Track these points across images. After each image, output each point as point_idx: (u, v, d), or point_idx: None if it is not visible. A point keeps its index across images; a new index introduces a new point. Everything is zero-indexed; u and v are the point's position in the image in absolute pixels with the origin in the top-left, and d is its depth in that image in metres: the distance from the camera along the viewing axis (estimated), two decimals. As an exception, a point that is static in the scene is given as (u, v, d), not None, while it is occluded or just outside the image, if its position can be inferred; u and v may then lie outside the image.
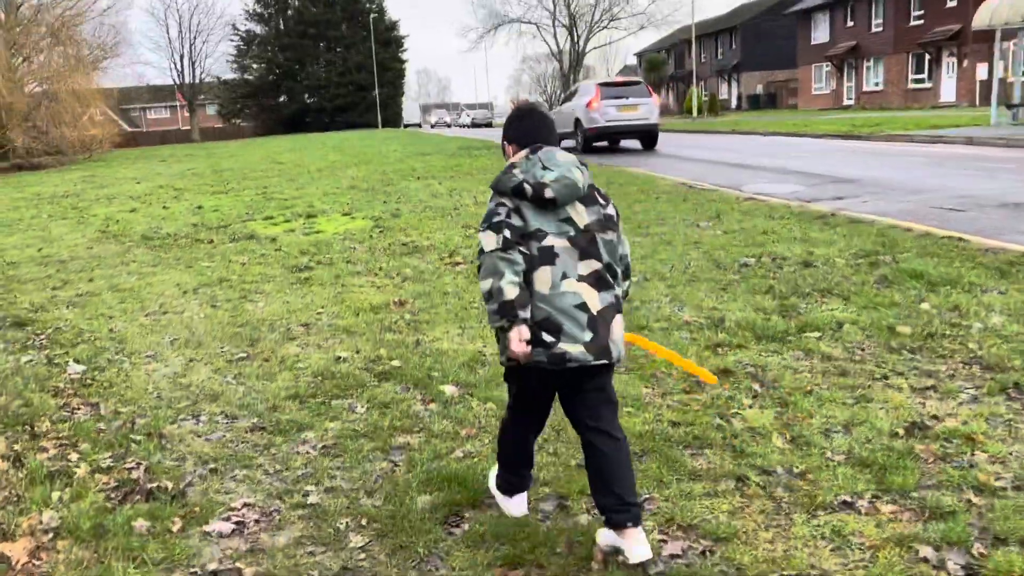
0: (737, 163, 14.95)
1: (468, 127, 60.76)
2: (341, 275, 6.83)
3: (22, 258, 8.90)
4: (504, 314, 2.30)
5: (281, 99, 63.18)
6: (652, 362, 4.06)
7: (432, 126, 64.04)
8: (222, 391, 4.15)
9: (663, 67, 61.09)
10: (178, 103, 67.88)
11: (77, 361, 4.75)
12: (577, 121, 19.15)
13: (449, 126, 60.68)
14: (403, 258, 7.34)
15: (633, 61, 77.64)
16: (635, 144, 20.21)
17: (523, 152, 2.46)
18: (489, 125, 61.63)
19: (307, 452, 3.38)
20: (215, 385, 4.26)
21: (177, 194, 14.96)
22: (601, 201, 2.48)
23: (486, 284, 2.32)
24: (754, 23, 54.29)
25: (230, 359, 4.70)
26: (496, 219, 2.36)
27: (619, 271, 2.47)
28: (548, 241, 2.35)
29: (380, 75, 58.84)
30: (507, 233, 2.33)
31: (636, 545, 2.33)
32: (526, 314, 2.31)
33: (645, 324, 4.67)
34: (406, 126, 62.10)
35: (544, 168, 2.38)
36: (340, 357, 4.56)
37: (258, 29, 62.93)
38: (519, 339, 2.30)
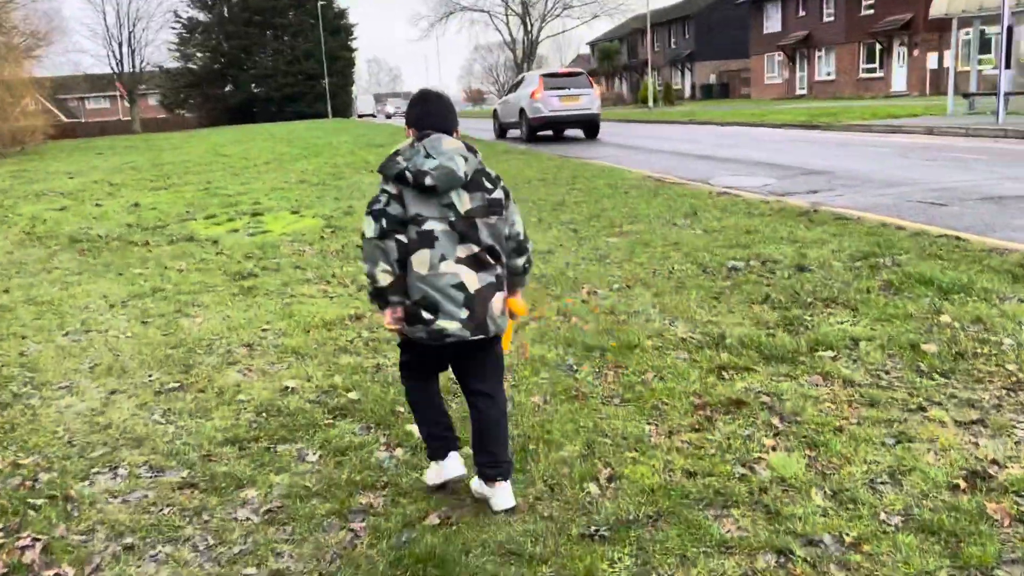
0: (701, 154, 14.56)
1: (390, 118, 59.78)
2: (289, 283, 6.18)
3: (-69, 265, 8.02)
4: (377, 298, 2.61)
5: (227, 88, 61.24)
6: (652, 391, 3.54)
7: (388, 116, 62.68)
8: (147, 434, 3.51)
9: (616, 56, 60.83)
10: (118, 93, 65.33)
11: (-26, 398, 4.04)
12: (522, 111, 19.68)
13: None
14: (359, 263, 6.70)
15: (586, 50, 77.34)
16: (581, 134, 19.99)
17: (410, 140, 2.60)
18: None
19: (247, 519, 2.77)
20: (139, 426, 3.61)
21: (112, 190, 14.00)
22: (488, 186, 2.60)
23: (365, 268, 2.57)
24: (708, 12, 54.28)
25: (159, 390, 4.04)
26: (376, 207, 2.54)
27: (505, 251, 2.65)
28: (428, 226, 2.51)
29: (329, 64, 57.38)
30: (384, 223, 2.51)
31: (502, 496, 2.66)
32: (397, 298, 2.57)
33: (637, 342, 4.14)
34: (360, 116, 60.82)
35: (427, 156, 2.50)
36: (288, 387, 3.94)
37: (201, 16, 60.82)
38: (390, 318, 2.59)
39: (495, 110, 23.86)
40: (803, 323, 4.29)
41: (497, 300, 2.61)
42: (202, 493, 2.96)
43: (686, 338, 4.20)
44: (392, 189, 2.53)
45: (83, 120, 67.72)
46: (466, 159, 2.55)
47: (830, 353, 3.84)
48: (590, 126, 19.75)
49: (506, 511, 2.64)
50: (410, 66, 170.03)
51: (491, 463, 2.67)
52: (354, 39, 62.78)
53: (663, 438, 3.12)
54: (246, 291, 6.01)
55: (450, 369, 2.83)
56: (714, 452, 2.97)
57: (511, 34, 62.31)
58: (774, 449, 2.97)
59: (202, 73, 59.71)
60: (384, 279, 2.53)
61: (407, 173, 2.49)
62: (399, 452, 3.17)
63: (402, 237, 2.52)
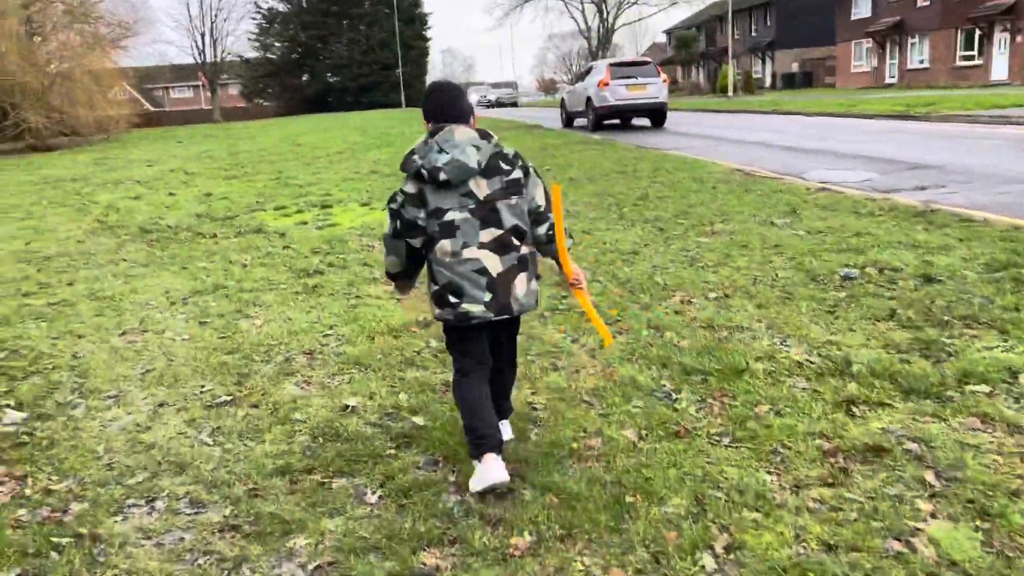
0: (789, 146, 13.69)
1: (491, 107, 59.43)
2: (355, 281, 5.80)
3: (4, 253, 7.97)
4: (391, 279, 2.97)
5: (304, 78, 62.06)
6: (768, 430, 2.99)
7: (477, 104, 62.30)
8: (192, 458, 3.14)
9: (694, 44, 59.21)
10: (202, 82, 67.10)
11: (19, 405, 3.76)
12: (588, 100, 19.72)
13: (491, 105, 59.01)
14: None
15: (663, 39, 75.65)
16: (648, 124, 19.27)
17: (425, 136, 2.71)
18: (515, 104, 60.31)
19: (293, 576, 2.36)
20: (184, 447, 3.25)
21: (187, 179, 14.02)
22: (505, 168, 2.67)
23: (383, 258, 2.93)
24: (789, -2, 52.21)
25: (210, 403, 3.69)
26: (393, 206, 2.73)
27: (529, 228, 2.74)
28: (448, 216, 2.63)
29: (404, 54, 57.49)
30: (398, 224, 2.72)
31: (503, 432, 2.91)
32: (410, 281, 2.94)
33: (745, 365, 3.58)
34: None
35: (439, 152, 2.61)
36: (348, 406, 3.53)
37: (280, 6, 61.74)
38: (406, 305, 3.15)
39: (562, 99, 23.58)
40: (943, 347, 3.65)
41: (520, 281, 2.71)
42: (244, 539, 2.56)
43: (803, 362, 3.61)
44: (411, 188, 2.67)
45: (167, 109, 69.78)
46: (478, 148, 2.64)
47: (984, 388, 3.21)
48: (657, 115, 19.66)
49: (497, 486, 2.68)
50: (484, 56, 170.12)
51: (499, 409, 2.91)
52: (428, 28, 62.81)
53: (789, 494, 2.58)
54: (310, 290, 5.67)
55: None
56: (856, 517, 2.41)
57: (586, 22, 61.19)
58: (933, 516, 2.40)
59: (280, 63, 60.65)
60: (394, 269, 2.89)
61: (423, 171, 2.61)
62: (470, 498, 2.71)
63: (415, 241, 2.73)
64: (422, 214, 2.67)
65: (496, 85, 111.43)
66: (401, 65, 56.94)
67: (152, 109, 62.59)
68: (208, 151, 20.27)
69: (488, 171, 2.64)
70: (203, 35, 56.96)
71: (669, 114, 20.91)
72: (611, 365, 3.75)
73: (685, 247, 6.10)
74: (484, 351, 2.84)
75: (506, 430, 3.01)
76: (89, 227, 9.36)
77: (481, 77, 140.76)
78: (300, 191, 11.23)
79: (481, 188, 2.64)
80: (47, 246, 8.27)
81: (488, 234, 2.65)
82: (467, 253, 2.64)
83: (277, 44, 60.97)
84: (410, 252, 2.77)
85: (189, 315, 5.23)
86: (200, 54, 57.16)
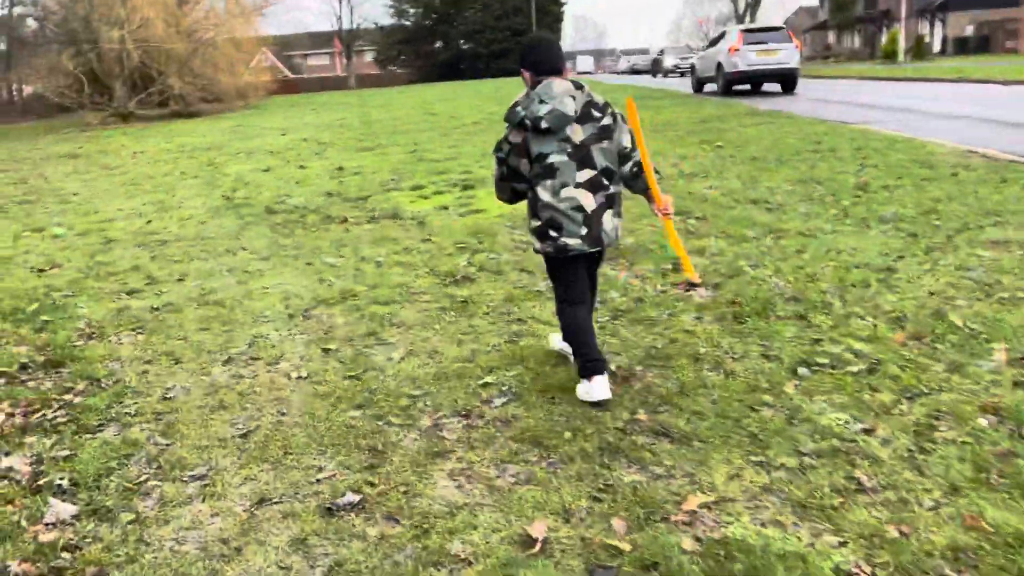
0: (1007, 121, 11.38)
1: (627, 74, 57.03)
2: (514, 297, 4.53)
3: (124, 235, 7.24)
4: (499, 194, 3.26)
5: (436, 45, 61.79)
6: None
7: (624, 72, 59.95)
8: (296, 632, 1.95)
9: (852, 6, 54.44)
10: (335, 50, 68.06)
11: (73, 487, 2.70)
12: (719, 65, 19.92)
13: (633, 71, 56.67)
14: (606, 267, 4.94)
15: (813, 2, 70.35)
16: (843, 95, 17.01)
17: (531, 80, 3.02)
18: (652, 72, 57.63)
19: None
20: (286, 603, 2.06)
21: (320, 150, 13.23)
22: (597, 115, 2.97)
23: (495, 191, 3.28)
24: (967, -47, 46.77)
25: (330, 504, 2.50)
26: (500, 155, 3.09)
27: (617, 168, 3.04)
28: (550, 159, 2.93)
29: (538, 19, 55.99)
30: (504, 170, 3.08)
31: (600, 388, 3.02)
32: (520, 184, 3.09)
33: None
34: (579, 74, 58.94)
35: (540, 102, 2.91)
36: (528, 537, 2.25)
37: (416, -28, 61.54)
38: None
39: (692, 64, 23.66)
40: None
41: (608, 217, 3.01)
42: None
43: None
44: (515, 138, 2.98)
45: (304, 76, 71.34)
46: (574, 98, 2.94)
47: None
48: (788, 80, 19.53)
49: (602, 402, 2.98)
50: (617, 22, 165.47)
51: (589, 360, 3.04)
52: (563, -8, 60.85)
53: None
54: (459, 305, 4.44)
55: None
56: None
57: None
58: None
59: (414, 29, 60.56)
60: (505, 200, 3.24)
61: (527, 120, 2.92)
62: None
63: (519, 186, 3.08)
64: (525, 161, 2.99)
65: (629, 52, 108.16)
66: (535, 31, 55.52)
67: (290, 76, 63.99)
68: (342, 120, 19.65)
69: (582, 118, 2.94)
70: (340, 2, 57.31)
71: (837, 83, 19.91)
72: (970, 515, 2.28)
73: (963, 263, 4.46)
74: (584, 282, 3.14)
75: (603, 386, 3.03)
76: (215, 204, 8.58)
77: (613, 44, 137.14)
78: (437, 167, 10.11)
79: (577, 134, 2.93)
80: (167, 227, 7.49)
81: (584, 175, 2.94)
82: (565, 192, 2.93)
83: (412, 10, 60.88)
84: (515, 192, 3.14)
85: (311, 336, 4.11)
86: (337, 20, 57.67)
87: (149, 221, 7.84)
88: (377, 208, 7.60)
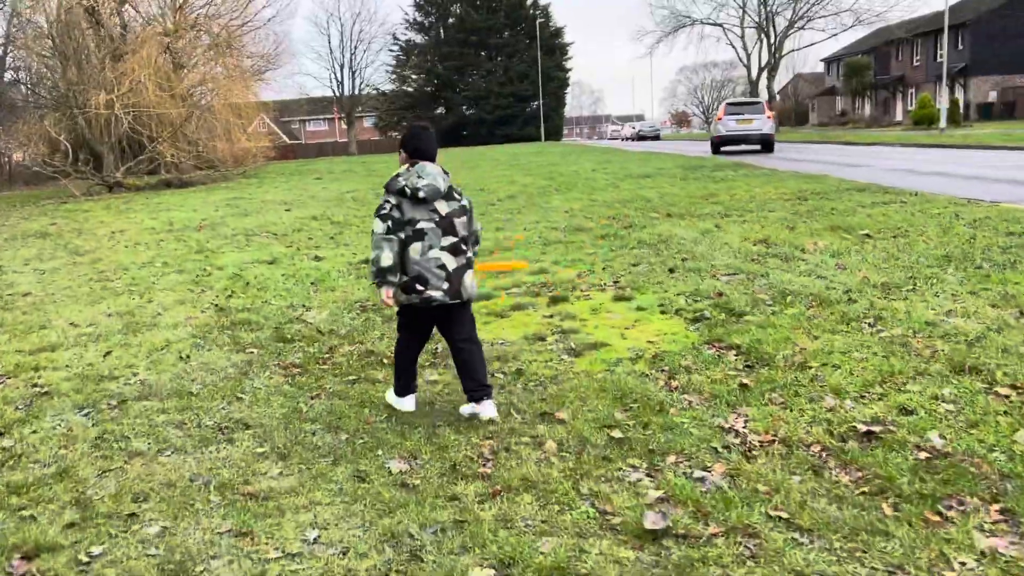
0: None
1: (632, 140, 55.64)
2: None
3: (64, 381, 4.86)
4: (379, 277, 3.56)
5: (439, 111, 60.62)
6: None
7: (626, 139, 58.57)
8: None
9: (866, 72, 53.41)
10: (335, 115, 66.82)
11: None
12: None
13: (637, 137, 55.23)
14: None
15: (820, 68, 69.70)
16: (936, 166, 14.97)
17: (406, 165, 3.65)
18: (656, 137, 56.26)
19: None
20: None
21: (335, 232, 10.97)
22: (457, 196, 3.67)
23: (374, 255, 3.57)
24: (989, 19, 45.80)
25: None
26: (383, 212, 3.59)
27: (471, 241, 3.74)
28: (420, 225, 3.56)
29: (544, 86, 54.93)
30: (390, 223, 3.56)
31: (488, 409, 3.67)
32: (394, 279, 3.55)
33: None
34: (611, 139, 57.23)
35: (419, 177, 3.56)
36: None
37: (418, 39, 60.69)
38: (386, 296, 3.56)
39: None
40: None
41: (468, 276, 3.66)
42: None
43: None
44: (394, 200, 3.59)
45: (303, 142, 70.00)
46: (444, 179, 3.63)
47: None
48: (764, 143, 23.69)
49: (491, 419, 3.62)
50: (611, 88, 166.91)
51: (478, 387, 3.70)
52: (569, 59, 60.09)
53: None
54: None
55: (437, 332, 3.91)
56: None
57: (745, 49, 56.18)
58: None
59: (416, 95, 59.44)
60: (387, 261, 3.52)
61: (406, 189, 3.55)
62: None
63: (401, 235, 3.55)
64: (398, 217, 3.57)
65: (624, 119, 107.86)
66: (541, 97, 54.35)
67: (288, 141, 62.53)
68: (353, 192, 17.48)
69: (448, 196, 3.63)
70: (342, 67, 56.18)
71: (897, 150, 21.94)
72: None
73: None
74: (428, 330, 3.90)
75: (491, 409, 3.68)
76: (202, 320, 6.22)
77: (609, 110, 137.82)
78: (496, 263, 7.81)
79: (443, 207, 3.60)
80: (132, 363, 5.13)
81: (447, 240, 3.59)
82: (431, 253, 3.56)
83: (414, 76, 59.88)
84: (392, 248, 3.55)
85: None
86: (339, 86, 56.42)
87: (107, 353, 5.46)
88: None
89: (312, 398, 4.26)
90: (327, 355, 5.05)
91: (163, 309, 6.78)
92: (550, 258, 7.80)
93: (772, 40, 52.81)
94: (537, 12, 57.61)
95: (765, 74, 54.37)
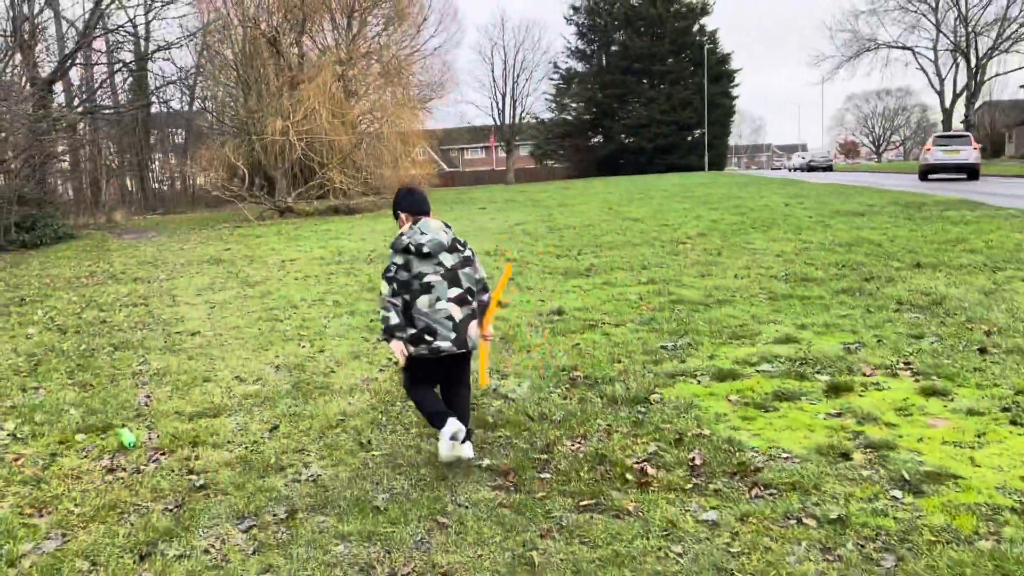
0: None
1: (800, 170, 52.11)
2: None
3: (220, 464, 3.93)
4: (389, 333, 3.66)
5: (597, 139, 59.63)
6: None
7: (793, 170, 55.27)
8: None
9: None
10: (492, 144, 67.36)
11: None
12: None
13: (808, 168, 51.98)
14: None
15: (1019, 94, 62.95)
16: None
17: (409, 223, 3.79)
18: (829, 168, 52.46)
19: None
20: None
21: (513, 273, 9.90)
22: (460, 248, 3.77)
23: (382, 316, 3.68)
24: None
25: None
26: (389, 275, 3.70)
27: (476, 290, 3.79)
28: (427, 278, 3.65)
29: (709, 113, 52.72)
30: (394, 285, 3.68)
31: (467, 451, 3.64)
32: (403, 335, 3.63)
33: None
34: (794, 169, 54.36)
35: (422, 233, 3.68)
36: None
37: (579, 67, 60.12)
38: (399, 350, 3.62)
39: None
40: None
41: (472, 326, 3.73)
42: None
43: None
44: (399, 260, 3.68)
45: (460, 169, 71.05)
46: (446, 233, 3.75)
47: None
48: (970, 171, 25.15)
49: (470, 459, 3.68)
50: (773, 116, 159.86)
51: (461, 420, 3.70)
52: (736, 85, 57.47)
53: None
54: None
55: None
56: None
57: (938, 73, 51.27)
58: None
59: (575, 123, 58.73)
60: (394, 321, 3.62)
61: (411, 246, 3.66)
62: None
63: (407, 296, 3.64)
64: (406, 277, 3.65)
65: (782, 148, 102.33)
66: (706, 125, 52.16)
67: (447, 169, 63.50)
68: (522, 224, 16.52)
69: (451, 248, 3.73)
70: (503, 96, 56.38)
71: None
72: None
73: None
74: (437, 379, 3.83)
75: (469, 448, 3.65)
76: (381, 388, 5.21)
77: (770, 139, 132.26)
78: (717, 319, 6.39)
79: (448, 260, 3.70)
80: (304, 443, 4.16)
81: (453, 292, 3.68)
82: (439, 305, 3.64)
83: (573, 104, 59.23)
84: (396, 310, 3.64)
85: None
86: (499, 115, 56.63)
87: (274, 427, 4.53)
88: (666, 426, 3.94)
89: (541, 536, 3.04)
90: (544, 455, 3.84)
91: (336, 364, 5.86)
92: (790, 320, 6.29)
93: (972, 64, 47.84)
94: (704, 38, 55.53)
95: (962, 101, 49.30)
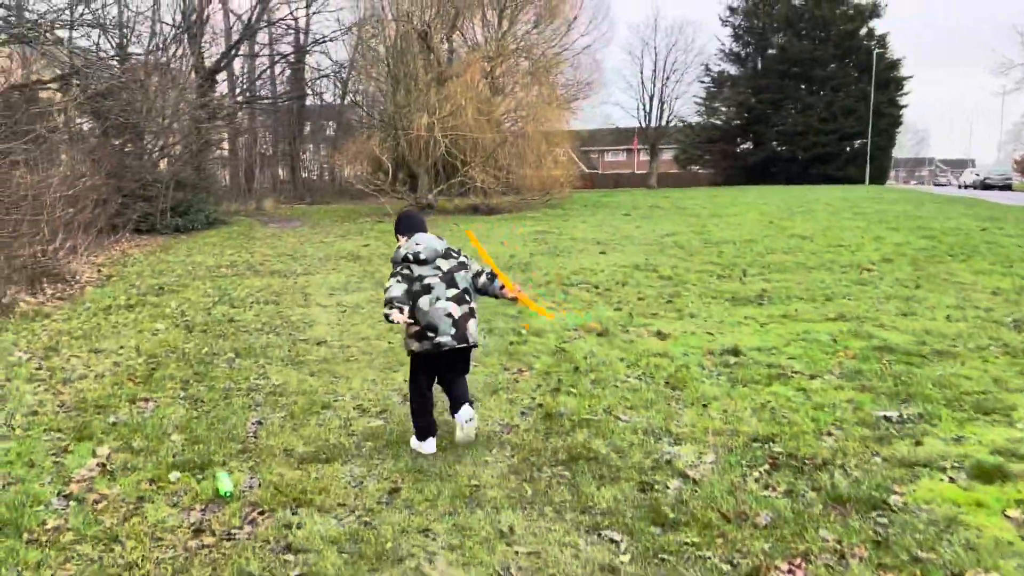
0: None
1: (971, 187, 47.36)
2: None
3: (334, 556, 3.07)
4: (388, 304, 3.97)
5: (746, 146, 56.72)
6: None
7: (964, 187, 50.61)
8: None
9: None
10: (634, 147, 65.54)
11: None
12: None
13: (978, 186, 47.34)
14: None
15: None
16: None
17: (405, 238, 4.27)
18: (1008, 187, 47.38)
19: None
20: None
21: (669, 293, 8.74)
22: (454, 254, 4.22)
23: (386, 292, 4.06)
24: None
25: None
26: (396, 279, 4.06)
27: (473, 289, 4.19)
28: (427, 280, 4.06)
29: (874, 123, 48.91)
30: (399, 278, 4.07)
31: (473, 424, 4.10)
32: (403, 306, 3.95)
33: None
34: (965, 187, 50.14)
35: (417, 244, 4.15)
36: None
37: (732, 70, 57.34)
38: (398, 316, 3.90)
39: None
40: None
41: (471, 323, 4.07)
42: None
43: None
44: (402, 268, 4.11)
45: (600, 171, 69.69)
46: (440, 242, 4.20)
47: None
48: None
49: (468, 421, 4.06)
50: (938, 127, 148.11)
51: (465, 400, 4.10)
52: (904, 94, 53.02)
53: None
54: None
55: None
56: None
57: None
58: None
59: (724, 128, 56.09)
60: (395, 292, 3.99)
61: (408, 254, 4.12)
62: None
63: (410, 295, 4.02)
64: (409, 282, 4.06)
65: (946, 163, 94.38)
66: (870, 135, 48.43)
67: (586, 170, 62.35)
68: (671, 235, 15.23)
69: (446, 255, 4.18)
70: (651, 97, 54.57)
71: None
72: None
73: None
74: (435, 373, 4.19)
75: (469, 412, 4.08)
76: (524, 441, 4.26)
77: (933, 152, 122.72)
78: (945, 383, 5.02)
79: (444, 264, 4.13)
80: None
81: (451, 292, 4.06)
82: (439, 304, 4.00)
83: (724, 109, 56.60)
84: (410, 298, 4.03)
85: None
86: (645, 117, 54.88)
87: (394, 490, 3.66)
88: (927, 555, 2.75)
89: None
90: (753, 586, 2.75)
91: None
92: (1049, 390, 4.85)
93: None
94: (873, 42, 51.48)
95: None
